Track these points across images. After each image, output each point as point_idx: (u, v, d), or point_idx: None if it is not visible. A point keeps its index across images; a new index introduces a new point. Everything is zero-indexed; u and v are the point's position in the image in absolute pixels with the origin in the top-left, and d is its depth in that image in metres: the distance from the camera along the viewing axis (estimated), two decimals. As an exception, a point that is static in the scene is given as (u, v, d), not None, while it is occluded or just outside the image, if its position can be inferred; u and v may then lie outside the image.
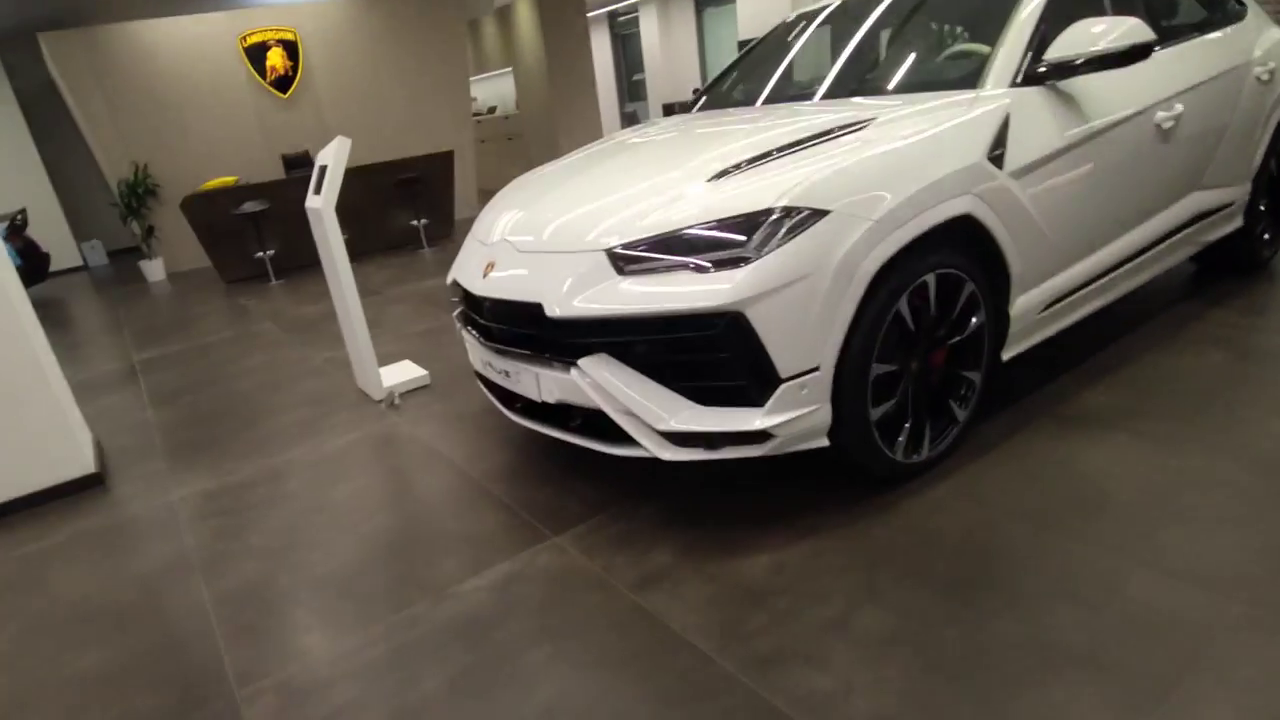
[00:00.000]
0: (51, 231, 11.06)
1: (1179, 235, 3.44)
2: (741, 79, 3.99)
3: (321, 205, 3.82)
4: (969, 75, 2.85)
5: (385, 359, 4.71)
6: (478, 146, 13.48)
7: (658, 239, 2.39)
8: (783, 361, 2.27)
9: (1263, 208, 4.00)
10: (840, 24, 3.61)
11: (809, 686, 1.88)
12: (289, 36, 10.01)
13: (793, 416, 2.32)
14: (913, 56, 3.33)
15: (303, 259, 8.74)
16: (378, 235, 9.17)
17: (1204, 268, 4.23)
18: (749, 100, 3.66)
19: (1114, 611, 1.99)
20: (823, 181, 2.32)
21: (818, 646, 2.00)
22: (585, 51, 13.49)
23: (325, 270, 4.15)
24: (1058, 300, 2.96)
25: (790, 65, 3.76)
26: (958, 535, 2.37)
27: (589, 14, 14.36)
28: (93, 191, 11.42)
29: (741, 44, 12.60)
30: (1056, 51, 2.76)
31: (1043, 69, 2.79)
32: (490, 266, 2.79)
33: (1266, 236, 4.11)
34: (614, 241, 2.46)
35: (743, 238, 2.27)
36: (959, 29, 3.35)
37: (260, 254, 8.43)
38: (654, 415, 2.36)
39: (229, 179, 9.00)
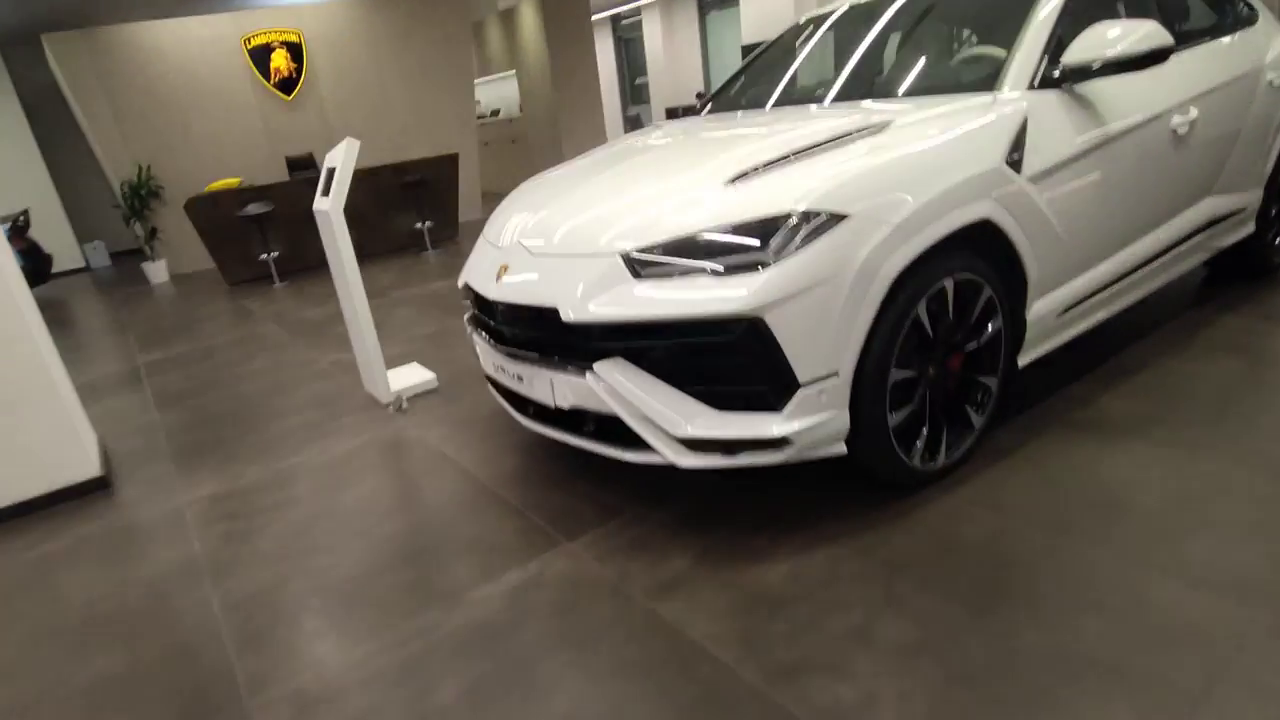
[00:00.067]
0: (54, 232, 11.05)
1: (1193, 240, 3.42)
2: (754, 81, 3.96)
3: (330, 207, 3.80)
4: (985, 79, 2.83)
5: (391, 361, 4.68)
6: (480, 149, 13.47)
7: (674, 243, 2.37)
8: (801, 366, 2.25)
9: (1274, 213, 3.98)
10: (853, 27, 3.58)
11: (832, 697, 1.85)
12: (293, 39, 9.99)
13: (811, 422, 2.30)
14: (927, 60, 3.31)
15: (307, 261, 8.73)
16: (382, 237, 9.15)
17: (1215, 274, 4.21)
18: (762, 103, 3.64)
19: (1140, 621, 1.96)
20: (842, 185, 2.30)
21: (840, 656, 1.97)
22: (589, 55, 13.48)
23: (333, 272, 4.13)
24: (1074, 305, 2.94)
25: (803, 68, 3.73)
26: (978, 543, 2.34)
27: (592, 17, 14.35)
28: (95, 192, 11.41)
29: (745, 49, 12.58)
30: (1074, 55, 2.74)
31: (1060, 72, 2.77)
32: (504, 270, 2.76)
33: (1278, 242, 4.08)
34: (630, 245, 2.44)
35: (761, 242, 2.25)
36: (973, 31, 3.33)
37: (264, 256, 8.41)
38: (671, 421, 2.34)
39: (233, 180, 8.98)
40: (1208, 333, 3.57)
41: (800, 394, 2.27)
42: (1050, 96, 2.76)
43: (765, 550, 2.45)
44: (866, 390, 2.36)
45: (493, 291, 2.76)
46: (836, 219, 2.25)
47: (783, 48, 4.00)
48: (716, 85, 16.24)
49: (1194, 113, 3.18)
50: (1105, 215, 2.94)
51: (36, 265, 9.41)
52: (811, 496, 2.70)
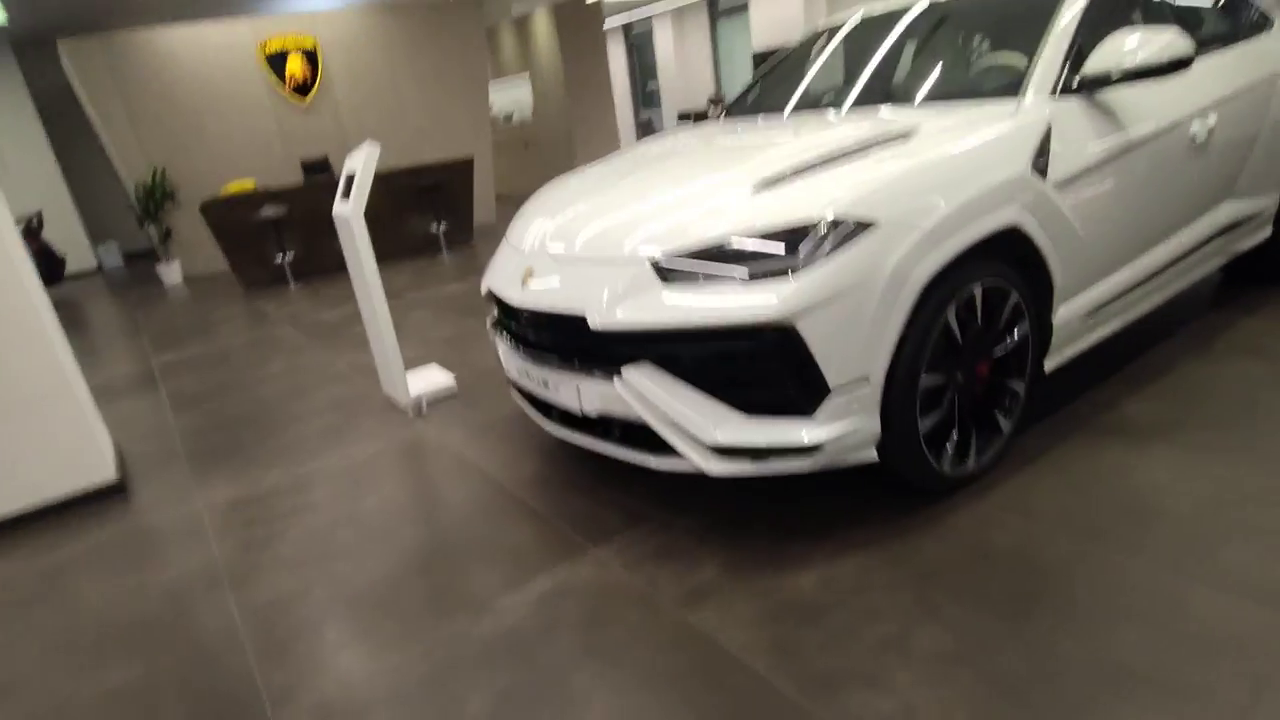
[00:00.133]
0: (66, 233, 11.09)
1: (1211, 245, 3.42)
2: (775, 87, 3.94)
3: (351, 213, 3.78)
4: (1006, 86, 2.82)
5: (408, 363, 4.66)
6: (493, 153, 13.47)
7: (703, 249, 2.35)
8: (832, 372, 2.23)
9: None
10: (874, 34, 3.56)
11: (871, 709, 1.82)
12: (309, 45, 10.05)
13: (842, 428, 2.28)
14: (948, 66, 3.31)
15: (321, 264, 8.73)
16: (397, 240, 9.15)
17: (1231, 279, 4.17)
18: (782, 109, 3.61)
19: (1179, 630, 1.92)
20: (871, 192, 2.29)
21: (876, 666, 1.94)
22: (602, 63, 13.52)
23: (352, 276, 4.12)
24: (1099, 309, 2.93)
25: (823, 75, 3.71)
26: (1010, 550, 2.31)
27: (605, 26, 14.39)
28: (108, 193, 11.47)
29: (757, 56, 12.59)
30: (1095, 62, 2.74)
31: (1082, 79, 2.77)
32: (529, 275, 2.74)
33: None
34: (657, 251, 2.42)
35: (791, 249, 2.23)
36: (991, 39, 3.32)
37: (279, 259, 8.41)
38: (700, 427, 2.31)
39: (248, 182, 9.00)
40: (1228, 335, 3.54)
41: (831, 399, 2.25)
42: (1072, 103, 2.76)
43: (794, 557, 2.42)
44: (897, 395, 2.34)
45: (518, 297, 2.74)
46: (867, 225, 2.23)
47: (803, 54, 3.98)
48: (727, 90, 16.36)
49: (1213, 119, 3.19)
50: (1127, 220, 2.95)
51: (49, 267, 9.44)
52: (837, 503, 2.67)
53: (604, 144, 13.57)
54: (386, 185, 8.72)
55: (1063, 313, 2.78)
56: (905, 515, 2.55)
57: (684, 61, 17.32)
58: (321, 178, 9.06)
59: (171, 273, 9.69)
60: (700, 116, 14.92)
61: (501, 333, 3.04)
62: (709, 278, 2.30)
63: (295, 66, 10.02)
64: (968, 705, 1.79)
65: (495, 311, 3.13)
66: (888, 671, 1.92)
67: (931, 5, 3.44)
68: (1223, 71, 3.33)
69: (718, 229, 2.36)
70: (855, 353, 2.24)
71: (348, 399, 4.47)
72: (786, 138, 2.98)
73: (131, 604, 2.73)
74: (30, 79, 10.74)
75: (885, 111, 3.00)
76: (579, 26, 13.02)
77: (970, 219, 2.38)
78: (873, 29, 3.60)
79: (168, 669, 2.36)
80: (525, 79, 14.36)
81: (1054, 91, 2.75)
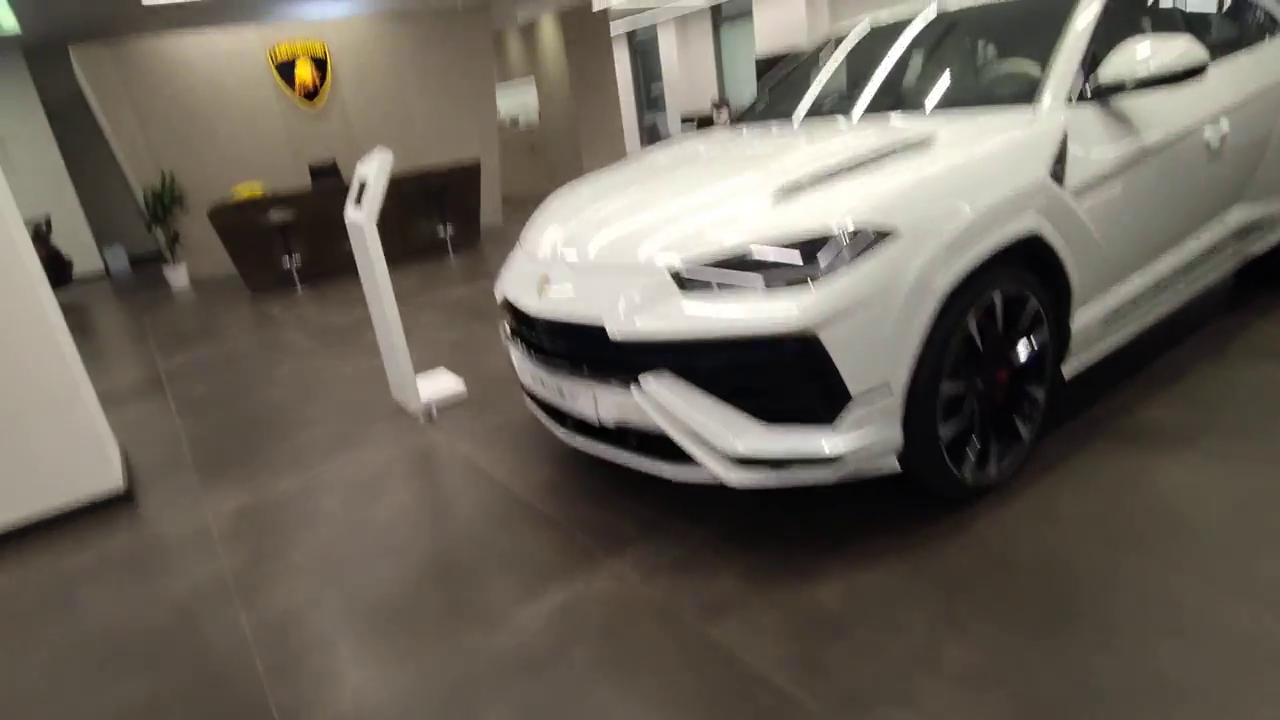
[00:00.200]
0: (74, 236, 11.08)
1: (1225, 249, 3.40)
2: (787, 95, 3.89)
3: (364, 220, 3.75)
4: (1021, 93, 2.80)
5: (416, 367, 4.61)
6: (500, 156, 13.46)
7: (722, 258, 2.30)
8: (854, 381, 2.19)
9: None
10: (886, 41, 3.52)
11: (900, 728, 1.77)
12: (318, 51, 10.06)
13: (863, 438, 2.23)
14: (962, 74, 3.30)
15: (328, 267, 8.70)
16: (405, 243, 9.12)
17: (1245, 282, 4.13)
18: (793, 115, 3.57)
19: (1219, 645, 1.87)
20: (892, 200, 2.26)
21: (905, 683, 1.89)
22: (608, 65, 13.50)
23: (363, 281, 4.08)
24: (1115, 314, 2.91)
25: (836, 82, 3.67)
26: (1036, 560, 2.26)
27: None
28: (115, 195, 11.48)
29: (761, 63, 12.56)
30: (1110, 70, 2.71)
31: (1097, 86, 2.74)
32: (545, 282, 2.69)
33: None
34: (676, 259, 2.38)
35: (812, 258, 2.19)
36: (1000, 47, 3.29)
37: (287, 263, 8.39)
38: (720, 437, 2.27)
39: (256, 185, 8.99)
40: (1244, 338, 3.50)
41: (852, 408, 2.20)
42: (1088, 110, 2.73)
43: (815, 568, 2.37)
44: (919, 403, 2.30)
45: (534, 306, 2.69)
46: (888, 233, 2.20)
47: (812, 62, 3.94)
48: (730, 94, 16.35)
49: (1225, 125, 3.17)
50: (1142, 226, 2.93)
51: (56, 271, 9.42)
52: (856, 512, 2.62)
53: (609, 147, 13.55)
54: (394, 189, 8.54)
55: (1080, 318, 2.75)
56: (927, 524, 2.50)
57: (688, 67, 17.39)
58: (329, 182, 9.06)
59: (178, 276, 9.68)
60: (705, 120, 14.91)
61: (516, 340, 3.00)
62: (728, 287, 2.26)
63: (304, 72, 10.03)
64: (1000, 724, 1.74)
65: (509, 318, 3.08)
66: (918, 689, 1.87)
67: (940, 13, 3.41)
68: (1234, 77, 3.31)
69: (738, 238, 2.32)
70: (876, 361, 2.21)
71: (357, 404, 4.43)
72: (801, 145, 2.95)
73: (139, 616, 2.68)
74: (40, 84, 10.75)
75: (897, 119, 2.97)
76: (585, 32, 13.01)
77: (991, 226, 2.35)
78: (882, 37, 3.57)
79: (176, 685, 2.31)
80: (530, 82, 14.36)
81: (1070, 99, 2.73)
